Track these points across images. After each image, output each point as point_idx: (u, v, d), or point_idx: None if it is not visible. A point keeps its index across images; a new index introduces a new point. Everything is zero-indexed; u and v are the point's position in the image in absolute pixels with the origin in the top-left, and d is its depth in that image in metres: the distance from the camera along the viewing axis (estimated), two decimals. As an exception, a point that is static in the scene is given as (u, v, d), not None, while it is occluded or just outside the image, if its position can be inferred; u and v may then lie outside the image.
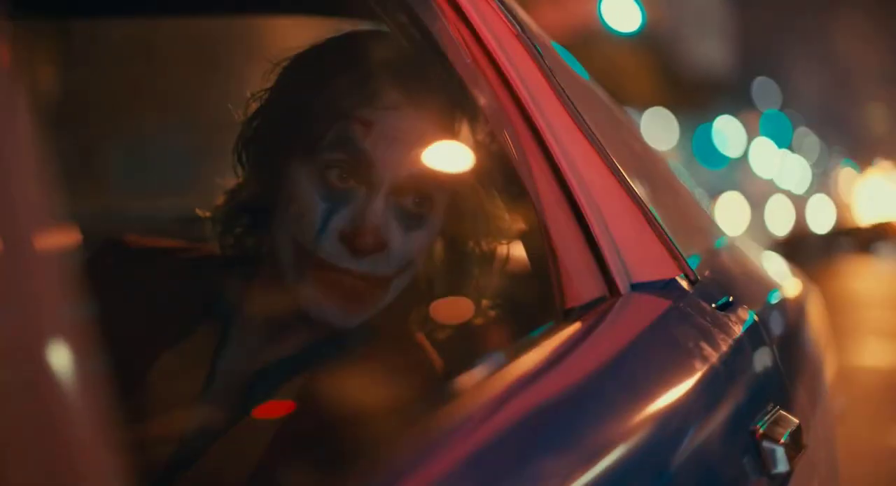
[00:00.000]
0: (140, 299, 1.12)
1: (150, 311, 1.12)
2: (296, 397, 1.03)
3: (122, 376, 0.43)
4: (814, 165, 24.85)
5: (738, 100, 22.34)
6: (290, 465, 0.90)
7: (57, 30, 1.50)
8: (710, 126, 20.71)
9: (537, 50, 1.17)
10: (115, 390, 0.43)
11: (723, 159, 20.70)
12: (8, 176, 0.40)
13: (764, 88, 24.21)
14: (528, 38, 1.16)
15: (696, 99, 19.94)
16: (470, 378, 0.98)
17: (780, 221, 21.29)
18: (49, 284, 0.41)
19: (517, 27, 1.15)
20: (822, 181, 24.68)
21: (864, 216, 23.71)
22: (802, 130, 24.69)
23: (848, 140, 26.45)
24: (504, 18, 1.14)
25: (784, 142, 23.83)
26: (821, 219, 22.94)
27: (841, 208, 24.18)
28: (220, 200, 1.13)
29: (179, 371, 1.08)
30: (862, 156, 26.26)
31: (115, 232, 1.21)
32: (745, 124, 21.94)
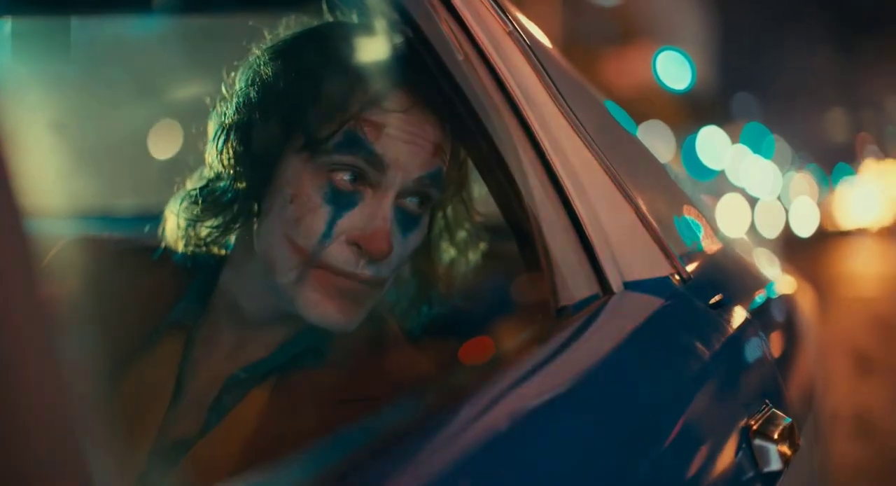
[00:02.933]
0: (103, 302, 1.04)
1: (114, 316, 1.07)
2: (269, 400, 1.01)
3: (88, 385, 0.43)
4: (785, 171, 27.02)
5: (721, 113, 25.03)
6: (266, 469, 0.89)
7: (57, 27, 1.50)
8: (696, 137, 22.94)
9: (530, 47, 1.17)
10: (86, 401, 0.42)
11: (709, 171, 22.74)
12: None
13: (743, 101, 27.27)
14: (520, 35, 1.16)
15: (687, 113, 22.47)
16: (461, 376, 0.98)
17: (769, 224, 22.68)
18: (15, 288, 0.40)
19: (510, 24, 1.15)
20: (797, 187, 26.66)
21: (842, 221, 25.44)
22: (774, 137, 27.19)
23: (812, 146, 29.09)
24: (496, 16, 1.14)
25: (765, 151, 26.20)
26: (803, 222, 24.41)
27: (822, 213, 25.90)
28: (188, 196, 1.06)
29: (146, 381, 1.06)
30: (825, 161, 28.73)
31: (83, 232, 1.18)
32: (729, 135, 24.25)
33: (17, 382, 0.39)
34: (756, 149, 25.61)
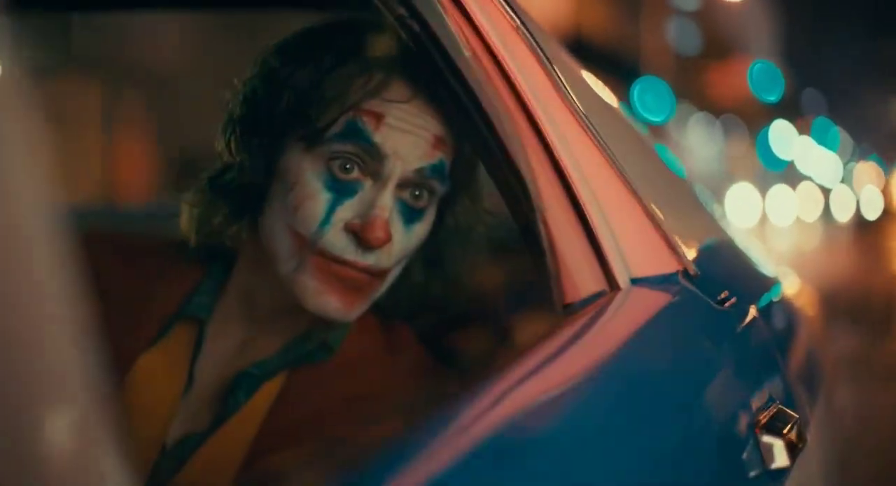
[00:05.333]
0: (114, 297, 1.05)
1: (127, 309, 1.08)
2: (280, 395, 1.02)
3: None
4: (846, 162, 30.78)
5: (790, 108, 28.06)
6: (275, 467, 0.89)
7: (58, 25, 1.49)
8: (768, 131, 26.39)
9: (537, 43, 1.17)
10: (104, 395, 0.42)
11: (781, 162, 26.22)
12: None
13: (810, 97, 30.30)
14: (528, 31, 1.16)
15: (761, 109, 25.66)
16: (469, 373, 0.98)
17: (841, 208, 26.76)
18: (27, 283, 0.40)
19: (517, 20, 1.15)
20: (861, 175, 30.45)
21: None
22: (838, 129, 31.19)
23: (874, 138, 32.19)
24: (504, 11, 1.13)
25: (830, 143, 29.69)
26: (870, 207, 28.21)
27: (886, 198, 29.77)
28: (199, 186, 1.08)
29: (157, 376, 1.06)
30: (887, 151, 31.84)
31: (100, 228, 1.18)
32: (798, 129, 27.72)
33: (29, 375, 0.39)
34: (821, 141, 29.05)
